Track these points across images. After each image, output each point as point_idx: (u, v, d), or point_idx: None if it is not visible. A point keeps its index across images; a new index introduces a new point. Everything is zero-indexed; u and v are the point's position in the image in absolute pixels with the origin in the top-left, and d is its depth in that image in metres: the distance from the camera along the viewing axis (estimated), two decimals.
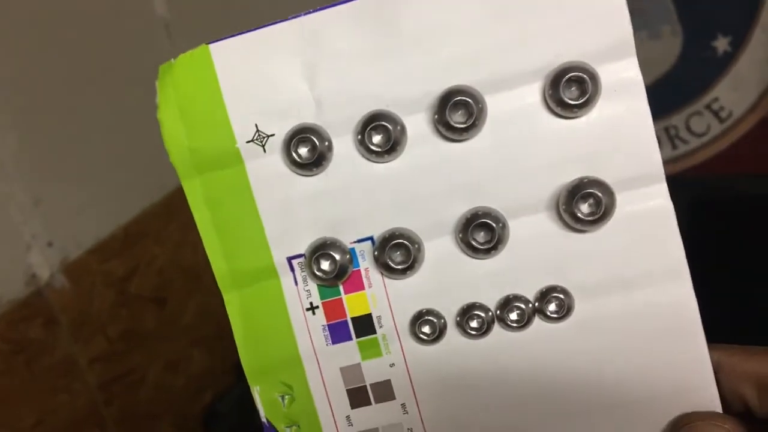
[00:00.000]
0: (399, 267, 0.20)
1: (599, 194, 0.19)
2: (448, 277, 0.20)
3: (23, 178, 0.53)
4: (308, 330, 0.21)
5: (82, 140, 0.55)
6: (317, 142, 0.20)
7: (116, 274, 0.57)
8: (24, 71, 0.50)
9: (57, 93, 0.54)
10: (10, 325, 0.52)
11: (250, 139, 0.20)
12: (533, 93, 0.19)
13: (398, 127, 0.20)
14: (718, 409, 0.20)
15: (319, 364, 0.21)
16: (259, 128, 0.20)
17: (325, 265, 0.20)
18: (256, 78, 0.20)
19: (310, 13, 0.19)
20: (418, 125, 0.20)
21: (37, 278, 0.55)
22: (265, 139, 0.20)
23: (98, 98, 0.56)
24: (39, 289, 0.55)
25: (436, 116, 0.19)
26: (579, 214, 0.19)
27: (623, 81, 0.19)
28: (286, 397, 0.22)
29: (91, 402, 0.58)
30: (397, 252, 0.20)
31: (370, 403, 0.21)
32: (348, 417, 0.21)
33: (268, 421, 0.22)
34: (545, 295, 0.20)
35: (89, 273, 0.56)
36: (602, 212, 0.19)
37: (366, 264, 0.21)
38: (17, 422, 0.52)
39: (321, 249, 0.20)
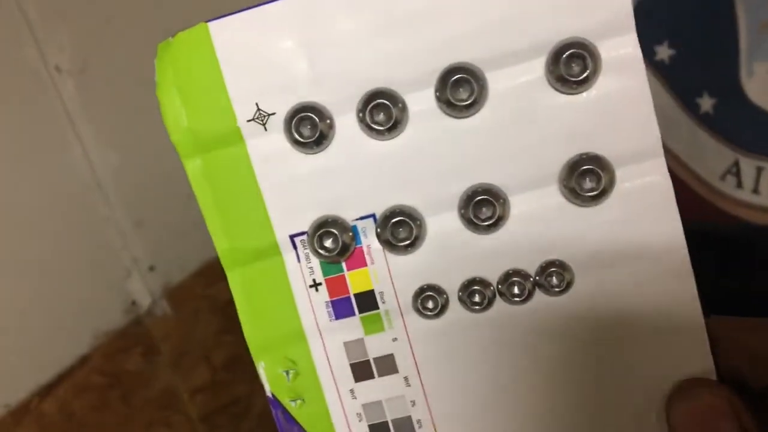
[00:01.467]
0: (401, 244, 0.20)
1: (599, 170, 0.19)
2: (449, 253, 0.21)
3: (124, 198, 0.51)
4: (312, 306, 0.21)
5: None
6: (318, 121, 0.20)
7: (222, 299, 0.54)
8: (126, 85, 0.49)
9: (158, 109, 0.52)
10: (106, 357, 0.50)
11: (251, 117, 0.20)
12: (534, 69, 0.19)
13: (399, 105, 0.20)
14: (714, 378, 0.20)
15: (322, 339, 0.22)
16: (260, 107, 0.20)
17: (328, 242, 0.21)
18: (255, 56, 0.20)
19: None
20: (419, 103, 0.20)
21: (137, 306, 0.52)
22: (266, 117, 0.20)
23: None
24: (138, 317, 0.52)
25: (438, 94, 0.19)
26: (579, 190, 0.19)
27: (623, 57, 0.19)
28: (291, 371, 0.22)
29: None
30: (399, 229, 0.20)
31: (373, 377, 0.22)
32: (352, 390, 0.22)
33: (273, 395, 0.22)
34: (545, 269, 0.20)
35: (193, 298, 0.53)
36: (602, 188, 0.19)
37: (368, 241, 0.21)
38: None
39: (323, 227, 0.20)
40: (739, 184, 0.65)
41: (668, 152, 0.66)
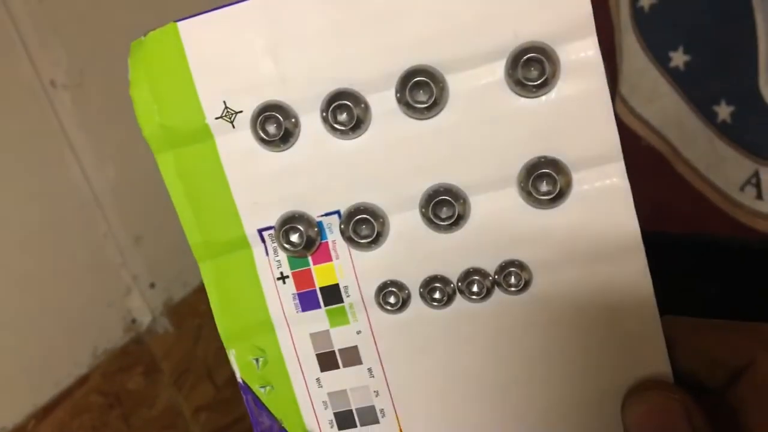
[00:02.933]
0: (364, 240, 0.21)
1: (554, 174, 0.19)
2: (411, 250, 0.21)
3: (122, 214, 0.50)
4: (279, 298, 0.22)
5: None
6: (283, 120, 0.20)
7: None
8: (122, 99, 0.48)
9: None
10: (106, 376, 0.49)
11: (219, 115, 0.21)
12: (494, 72, 0.19)
13: (362, 105, 0.20)
14: (670, 380, 0.21)
15: (290, 329, 0.22)
16: (228, 105, 0.21)
17: (294, 237, 0.21)
18: (223, 55, 0.20)
19: None
20: (382, 103, 0.20)
21: (137, 323, 0.51)
22: (234, 115, 0.21)
23: None
24: (139, 335, 0.51)
25: (398, 95, 0.20)
26: (535, 193, 0.19)
27: (582, 61, 0.19)
28: (260, 359, 0.23)
29: None
30: (363, 226, 0.21)
31: (338, 367, 0.22)
32: (318, 379, 0.23)
33: (243, 381, 0.23)
34: (504, 268, 0.21)
35: (195, 314, 0.52)
36: (558, 191, 0.19)
37: (333, 236, 0.21)
38: None
39: (289, 222, 0.21)
40: (759, 195, 0.63)
41: (685, 162, 0.64)
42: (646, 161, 0.65)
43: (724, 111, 0.62)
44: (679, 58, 0.62)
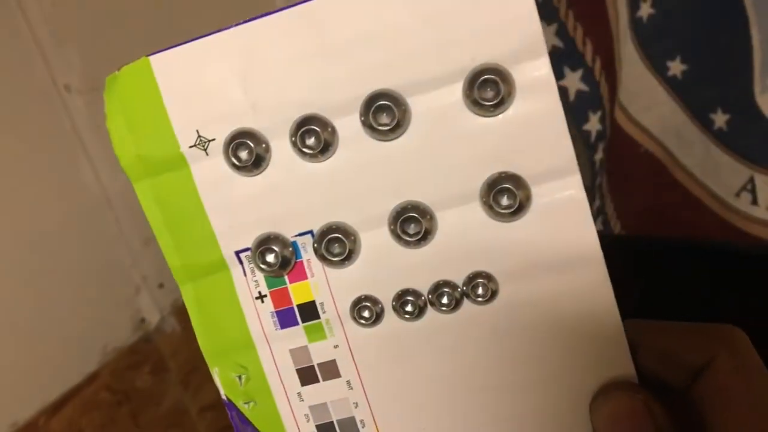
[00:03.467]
0: (336, 258, 0.22)
1: (514, 188, 0.20)
2: (383, 266, 0.22)
3: (133, 216, 0.51)
4: (258, 316, 0.23)
5: None
6: (254, 146, 0.21)
7: None
8: None
9: None
10: (115, 374, 0.50)
11: (193, 144, 0.22)
12: (453, 94, 0.20)
13: (329, 129, 0.21)
14: (635, 381, 0.22)
15: (270, 346, 0.23)
16: (200, 133, 0.21)
17: (270, 257, 0.22)
18: (194, 86, 0.21)
19: (241, 23, 0.21)
20: (348, 127, 0.21)
21: (146, 323, 0.52)
22: (207, 143, 0.21)
23: None
24: (148, 334, 0.52)
25: (362, 118, 0.21)
26: (497, 207, 0.20)
27: (536, 79, 0.20)
28: (243, 376, 0.24)
29: None
30: (335, 244, 0.22)
31: (318, 381, 0.23)
32: (299, 393, 0.23)
33: (227, 398, 0.24)
34: (472, 279, 0.22)
35: None
36: (518, 204, 0.20)
37: (308, 255, 0.22)
38: None
39: (265, 243, 0.22)
40: (755, 201, 0.64)
41: (682, 169, 0.66)
42: (644, 167, 0.67)
43: (720, 119, 0.63)
44: (676, 68, 0.63)
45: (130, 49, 0.49)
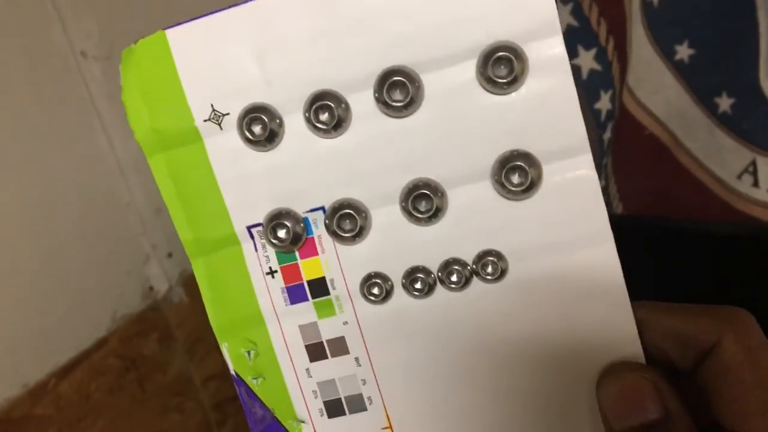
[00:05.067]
0: (348, 235, 0.22)
1: (525, 166, 0.20)
2: (393, 243, 0.22)
3: (145, 185, 0.51)
4: (269, 292, 0.23)
5: None
6: (268, 121, 0.21)
7: None
8: None
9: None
10: (123, 341, 0.51)
11: (207, 118, 0.22)
12: (467, 71, 0.21)
13: (342, 105, 0.21)
14: (642, 361, 0.22)
15: (279, 322, 0.23)
16: (215, 108, 0.22)
17: (281, 233, 0.22)
18: (209, 61, 0.21)
19: None
20: (361, 103, 0.21)
21: (154, 291, 0.53)
22: (221, 117, 0.22)
23: None
24: (156, 302, 0.53)
25: (376, 95, 0.21)
26: (508, 185, 0.21)
27: (549, 58, 0.20)
28: (252, 352, 0.24)
29: (204, 422, 0.56)
30: (346, 221, 0.22)
31: (326, 357, 0.23)
32: (307, 369, 0.24)
33: (236, 374, 0.24)
34: (482, 258, 0.22)
35: None
36: (530, 182, 0.20)
37: (319, 231, 0.22)
38: None
39: (276, 218, 0.22)
40: (756, 183, 0.65)
41: (686, 152, 0.66)
42: (648, 150, 0.67)
43: (725, 103, 0.64)
44: (684, 52, 0.64)
45: (146, 17, 0.49)
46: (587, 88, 0.61)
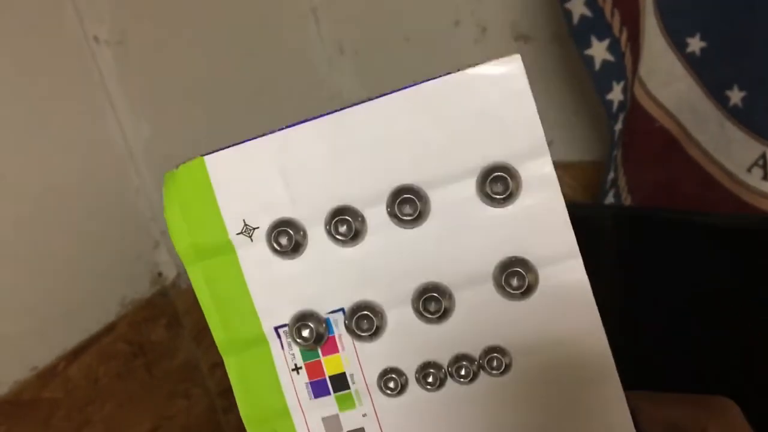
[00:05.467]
0: (365, 333, 0.24)
1: (523, 271, 0.23)
2: (407, 340, 0.24)
3: (154, 170, 0.52)
4: (294, 387, 0.25)
5: (217, 127, 0.53)
6: (293, 233, 0.24)
7: None
8: (162, 58, 0.49)
9: (192, 81, 0.51)
10: (132, 326, 0.51)
11: (239, 231, 0.25)
12: (468, 187, 0.23)
13: (359, 219, 0.24)
14: None
15: (304, 415, 0.25)
16: (246, 222, 0.24)
17: (305, 332, 0.25)
18: (242, 182, 0.24)
19: (282, 129, 0.24)
20: (375, 216, 0.24)
21: (162, 277, 0.54)
22: (252, 231, 0.24)
23: (236, 91, 0.53)
24: (164, 288, 0.53)
25: (388, 209, 0.23)
26: (508, 288, 0.23)
27: (540, 176, 0.23)
28: None
29: (210, 409, 0.56)
30: (364, 321, 0.24)
31: None
32: None
33: None
34: (488, 353, 0.24)
35: None
36: (527, 285, 0.23)
37: (339, 331, 0.25)
38: (132, 427, 0.51)
39: (301, 320, 0.25)
40: (765, 177, 0.65)
41: (696, 144, 0.66)
42: (658, 142, 0.67)
43: (736, 96, 0.64)
44: (695, 44, 0.64)
45: (158, 7, 0.51)
46: (600, 79, 0.61)
